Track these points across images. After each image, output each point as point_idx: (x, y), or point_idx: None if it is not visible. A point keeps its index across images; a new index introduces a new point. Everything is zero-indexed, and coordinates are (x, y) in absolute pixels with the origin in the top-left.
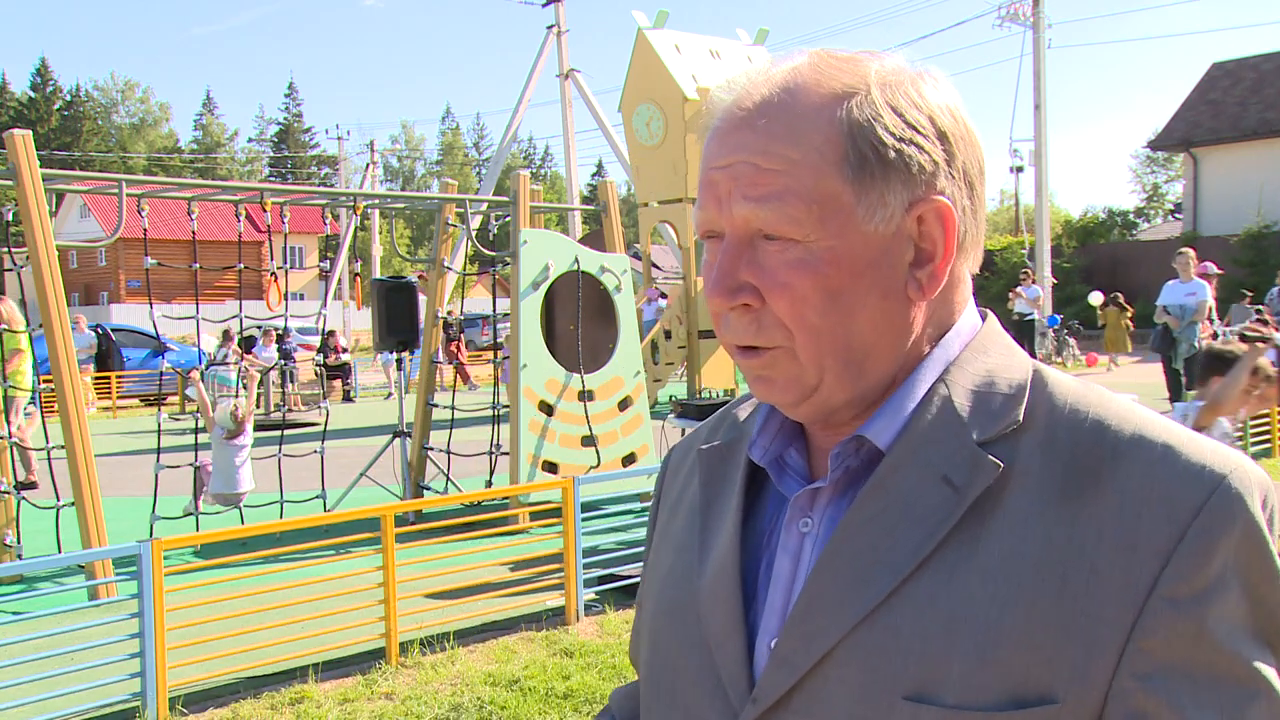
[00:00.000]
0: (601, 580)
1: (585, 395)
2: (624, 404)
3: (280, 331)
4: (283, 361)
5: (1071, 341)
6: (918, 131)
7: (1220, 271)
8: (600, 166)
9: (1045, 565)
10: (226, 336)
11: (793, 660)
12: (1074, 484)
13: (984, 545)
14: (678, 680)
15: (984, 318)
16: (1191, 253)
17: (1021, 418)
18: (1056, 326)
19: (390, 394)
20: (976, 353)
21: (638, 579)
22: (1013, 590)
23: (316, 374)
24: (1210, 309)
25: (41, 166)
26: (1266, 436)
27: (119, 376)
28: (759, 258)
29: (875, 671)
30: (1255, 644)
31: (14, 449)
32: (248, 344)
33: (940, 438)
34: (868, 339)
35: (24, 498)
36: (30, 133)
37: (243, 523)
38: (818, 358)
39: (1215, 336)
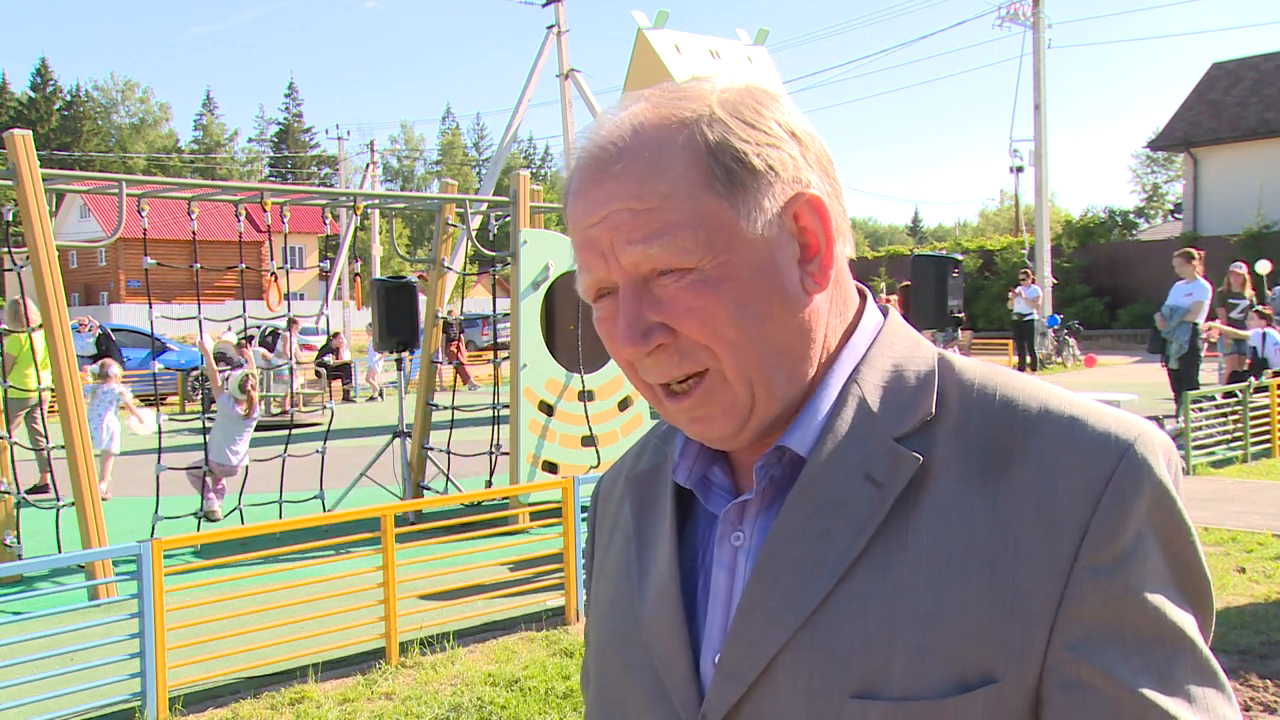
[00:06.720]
0: None
1: (585, 395)
2: (624, 404)
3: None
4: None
5: (1071, 341)
6: (769, 134)
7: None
8: None
9: (972, 549)
10: (249, 339)
11: (738, 673)
12: (990, 466)
13: (913, 538)
14: (629, 707)
15: (885, 313)
16: (1195, 253)
17: (934, 408)
18: (1056, 326)
19: (372, 397)
20: (882, 348)
21: None
22: (945, 578)
23: (318, 374)
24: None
25: (41, 166)
26: (1266, 437)
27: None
28: (658, 296)
29: (820, 674)
30: (1177, 600)
31: (35, 455)
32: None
33: (858, 437)
34: (784, 342)
35: (24, 499)
36: (30, 133)
37: (243, 523)
38: (744, 373)
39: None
